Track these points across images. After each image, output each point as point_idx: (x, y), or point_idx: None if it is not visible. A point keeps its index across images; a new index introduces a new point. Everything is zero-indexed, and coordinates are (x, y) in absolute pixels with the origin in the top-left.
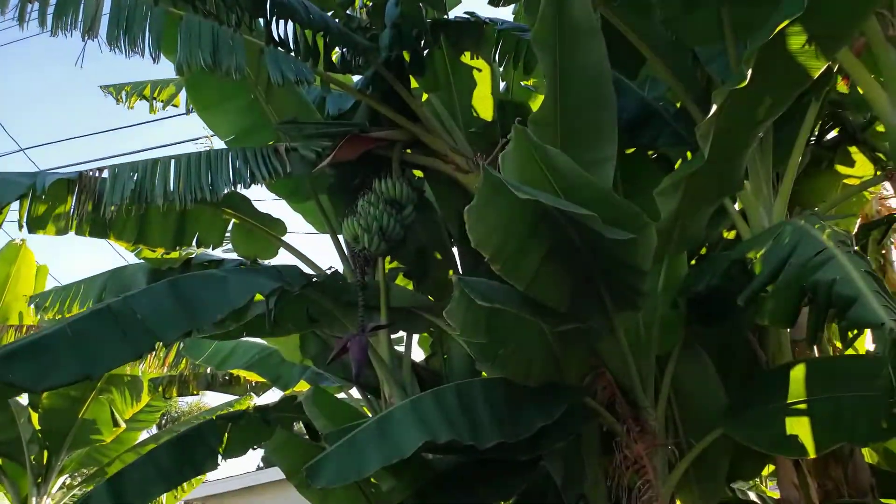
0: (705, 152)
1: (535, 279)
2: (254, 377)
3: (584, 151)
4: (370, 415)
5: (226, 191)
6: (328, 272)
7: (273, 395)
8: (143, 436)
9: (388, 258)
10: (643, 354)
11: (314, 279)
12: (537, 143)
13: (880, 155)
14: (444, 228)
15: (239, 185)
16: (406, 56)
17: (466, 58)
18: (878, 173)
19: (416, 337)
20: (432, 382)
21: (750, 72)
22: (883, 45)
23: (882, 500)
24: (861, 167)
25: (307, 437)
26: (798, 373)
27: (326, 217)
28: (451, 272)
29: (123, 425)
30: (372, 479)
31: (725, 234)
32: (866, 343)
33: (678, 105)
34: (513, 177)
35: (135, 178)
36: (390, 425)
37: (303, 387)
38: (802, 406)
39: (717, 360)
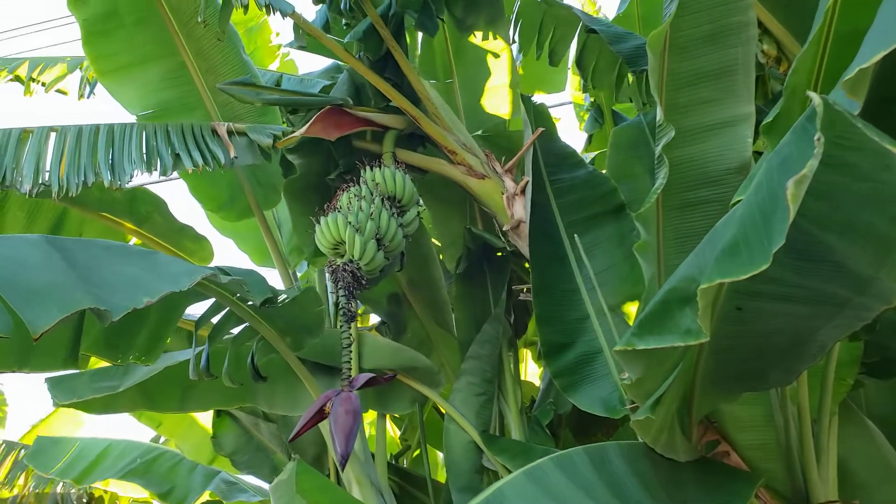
0: None
1: None
2: (130, 492)
3: (709, 108)
4: None
5: (134, 175)
6: (299, 289)
7: None
8: None
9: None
10: (802, 417)
11: (282, 297)
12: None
13: None
14: (436, 261)
15: (153, 170)
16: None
17: (476, 37)
18: None
19: None
20: (401, 490)
21: None
22: None
23: None
24: None
25: None
26: None
27: (275, 241)
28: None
29: None
30: None
31: None
32: None
33: None
34: None
35: None
36: None
37: None
38: None
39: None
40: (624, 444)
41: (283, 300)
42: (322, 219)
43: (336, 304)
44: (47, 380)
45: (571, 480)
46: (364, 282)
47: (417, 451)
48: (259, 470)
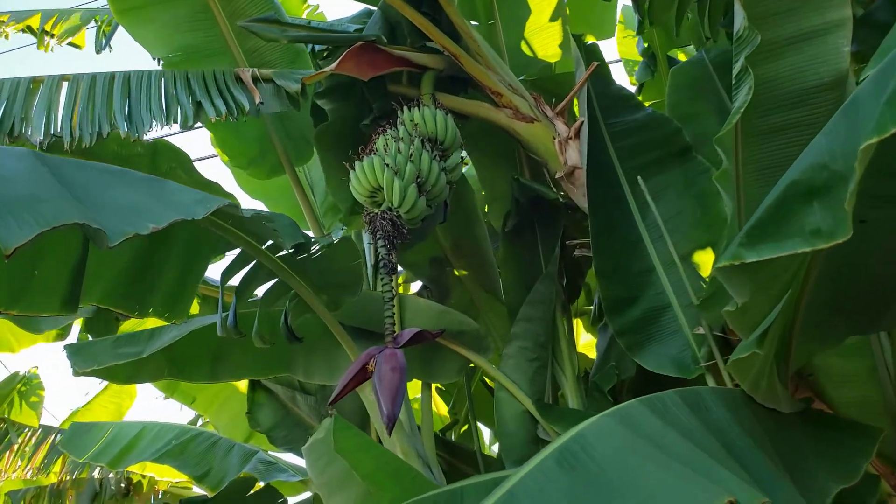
0: None
1: None
2: (167, 476)
3: (794, 15)
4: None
5: (151, 126)
6: (332, 238)
7: None
8: None
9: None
10: None
11: (315, 245)
12: None
13: None
14: (480, 220)
15: (173, 121)
16: None
17: None
18: None
19: None
20: (449, 466)
21: None
22: None
23: None
24: None
25: None
26: None
27: (309, 201)
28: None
29: None
30: None
31: None
32: None
33: None
34: None
35: None
36: (599, 469)
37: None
38: None
39: None
40: (721, 390)
41: (317, 250)
42: (357, 163)
43: (375, 265)
44: (66, 346)
45: (668, 424)
46: (405, 231)
47: (465, 426)
48: (297, 446)
